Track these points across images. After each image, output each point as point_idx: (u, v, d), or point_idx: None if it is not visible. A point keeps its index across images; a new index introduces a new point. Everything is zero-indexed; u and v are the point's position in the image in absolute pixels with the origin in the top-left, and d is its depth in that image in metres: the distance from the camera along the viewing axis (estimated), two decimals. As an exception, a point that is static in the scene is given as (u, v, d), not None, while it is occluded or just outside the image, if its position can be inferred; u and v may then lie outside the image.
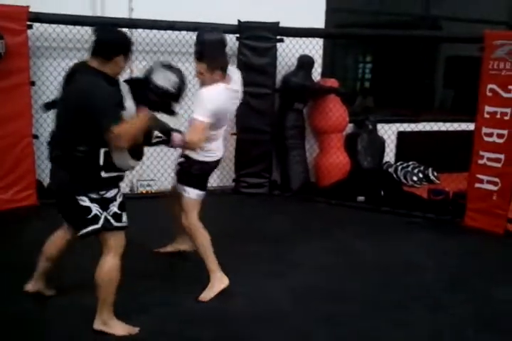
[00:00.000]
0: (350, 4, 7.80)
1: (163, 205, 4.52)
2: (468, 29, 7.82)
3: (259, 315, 3.68)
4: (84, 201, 3.07)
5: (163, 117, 3.36)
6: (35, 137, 5.66)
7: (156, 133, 3.46)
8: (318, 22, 7.05)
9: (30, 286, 3.60)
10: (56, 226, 3.53)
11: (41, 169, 5.82)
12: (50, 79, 5.83)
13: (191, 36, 6.29)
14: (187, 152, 3.87)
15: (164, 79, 2.97)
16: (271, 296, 3.97)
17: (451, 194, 6.15)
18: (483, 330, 3.60)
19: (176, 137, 3.53)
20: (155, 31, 6.20)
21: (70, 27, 5.78)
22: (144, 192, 6.59)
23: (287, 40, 6.60)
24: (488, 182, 5.50)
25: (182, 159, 3.97)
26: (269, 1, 6.56)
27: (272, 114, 6.72)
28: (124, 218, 3.24)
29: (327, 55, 7.40)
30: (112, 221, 3.16)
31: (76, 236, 3.43)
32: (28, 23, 5.52)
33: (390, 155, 7.73)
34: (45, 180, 5.71)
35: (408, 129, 7.35)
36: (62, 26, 5.79)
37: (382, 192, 6.60)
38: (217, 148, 3.94)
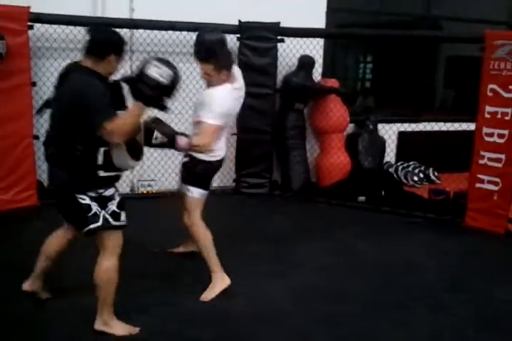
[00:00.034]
0: (350, 4, 7.80)
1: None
2: (469, 29, 7.82)
3: (260, 315, 3.68)
4: (84, 199, 3.07)
5: (157, 113, 3.36)
6: (36, 138, 5.66)
7: (160, 136, 3.47)
8: (319, 22, 7.05)
9: (27, 285, 3.59)
10: (56, 227, 3.53)
11: (42, 170, 5.81)
12: (50, 80, 5.82)
13: (192, 36, 6.28)
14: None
15: (157, 72, 2.96)
16: (271, 296, 3.97)
17: (452, 194, 6.15)
18: (483, 330, 3.60)
19: (181, 140, 3.52)
20: (156, 31, 6.20)
21: (71, 27, 5.78)
22: (144, 192, 6.59)
23: (288, 40, 6.59)
24: (489, 182, 5.50)
25: (186, 159, 3.96)
26: (269, 1, 6.56)
27: (273, 114, 6.72)
28: (123, 217, 3.24)
29: (328, 55, 7.40)
30: (111, 219, 3.15)
31: (76, 236, 3.44)
32: (29, 23, 5.52)
33: (390, 155, 7.72)
34: (46, 180, 5.70)
35: (409, 129, 7.35)
36: (63, 27, 5.79)
37: (382, 192, 6.60)
38: (221, 148, 3.93)
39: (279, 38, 6.50)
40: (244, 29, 6.38)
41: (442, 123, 6.95)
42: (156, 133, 3.48)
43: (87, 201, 3.08)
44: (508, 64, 5.24)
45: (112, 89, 3.07)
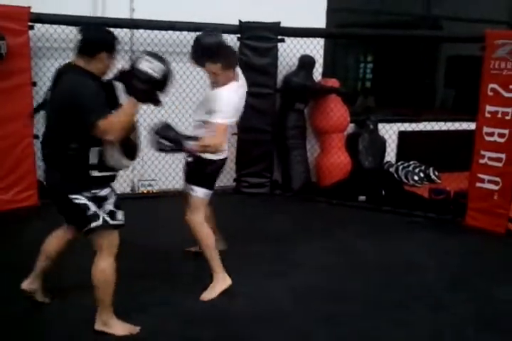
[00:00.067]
0: (350, 4, 7.80)
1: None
2: (469, 29, 7.81)
3: (260, 314, 3.68)
4: (80, 199, 3.07)
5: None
6: (36, 137, 5.65)
7: (168, 143, 3.55)
8: (319, 22, 7.05)
9: (25, 285, 3.57)
10: (57, 227, 3.53)
11: (42, 169, 5.77)
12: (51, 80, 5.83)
13: (192, 36, 6.28)
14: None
15: (149, 66, 2.96)
16: (272, 296, 3.97)
17: (452, 193, 6.16)
18: (483, 330, 3.60)
19: (189, 145, 3.57)
20: (156, 31, 6.20)
21: (71, 27, 5.75)
22: (144, 192, 6.60)
23: (288, 40, 6.59)
24: (489, 181, 5.49)
25: (190, 159, 3.95)
26: (269, 1, 6.57)
27: (273, 114, 6.72)
28: (120, 216, 3.22)
29: (328, 55, 7.40)
30: (108, 219, 3.15)
31: (76, 236, 3.43)
32: (30, 23, 5.52)
33: (391, 154, 7.72)
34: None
35: (409, 129, 7.35)
36: (63, 27, 5.78)
37: (383, 192, 6.60)
38: (225, 147, 3.94)
39: (279, 37, 6.50)
40: (245, 29, 6.38)
41: (443, 123, 6.96)
42: (164, 141, 3.55)
43: (84, 201, 3.07)
44: (508, 63, 5.24)
45: (105, 89, 3.07)
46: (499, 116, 5.35)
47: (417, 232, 5.59)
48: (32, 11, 5.47)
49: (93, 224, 3.12)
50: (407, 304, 3.93)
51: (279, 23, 6.41)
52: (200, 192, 3.92)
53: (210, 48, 3.88)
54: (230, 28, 6.25)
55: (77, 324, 3.39)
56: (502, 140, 5.37)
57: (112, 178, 3.22)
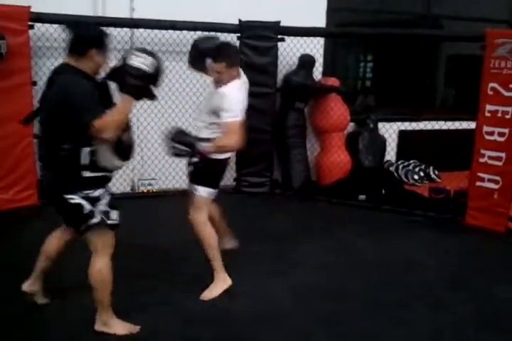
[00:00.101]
0: (350, 3, 7.80)
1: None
2: (470, 28, 7.80)
3: (260, 314, 3.68)
4: (75, 199, 3.06)
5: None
6: (36, 137, 5.66)
7: (182, 147, 3.64)
8: (319, 21, 7.04)
9: (26, 286, 3.58)
10: (57, 226, 3.53)
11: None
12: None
13: (192, 36, 6.30)
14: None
15: (140, 61, 2.96)
16: (272, 295, 3.97)
17: (452, 192, 6.16)
18: (483, 329, 3.60)
19: (202, 147, 3.64)
20: (156, 31, 6.20)
21: (71, 27, 5.78)
22: (145, 191, 6.60)
23: (288, 39, 6.59)
24: (490, 180, 5.50)
25: (196, 159, 3.93)
26: (270, 0, 6.56)
27: (273, 113, 6.72)
28: (115, 216, 3.20)
29: (328, 54, 7.40)
30: (104, 218, 3.14)
31: (75, 236, 3.43)
32: (30, 23, 5.52)
33: (391, 153, 7.71)
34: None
35: (409, 128, 7.35)
36: (63, 26, 5.78)
37: (383, 191, 6.61)
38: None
39: (279, 37, 6.49)
40: (245, 28, 6.37)
41: (443, 122, 6.96)
42: (178, 145, 3.63)
43: (78, 200, 3.06)
44: (508, 62, 5.24)
45: (98, 88, 3.06)
46: (499, 115, 5.35)
47: (417, 231, 5.59)
48: (32, 10, 5.47)
49: (91, 222, 3.11)
50: (407, 303, 3.94)
51: (279, 22, 6.41)
52: (203, 192, 3.91)
53: (212, 48, 3.88)
54: (230, 28, 6.26)
55: (77, 324, 3.40)
56: (502, 139, 5.37)
57: (106, 179, 3.19)
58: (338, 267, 4.56)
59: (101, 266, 3.21)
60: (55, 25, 5.76)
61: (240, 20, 6.33)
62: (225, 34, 6.11)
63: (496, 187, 5.44)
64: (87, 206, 3.07)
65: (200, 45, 4.04)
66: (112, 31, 6.04)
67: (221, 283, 3.95)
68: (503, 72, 5.29)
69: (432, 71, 8.75)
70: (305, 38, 6.71)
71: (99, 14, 6.09)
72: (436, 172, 7.53)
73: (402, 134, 7.66)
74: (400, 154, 7.80)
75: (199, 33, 6.24)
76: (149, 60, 2.98)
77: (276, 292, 4.03)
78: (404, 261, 4.73)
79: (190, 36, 6.27)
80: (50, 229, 3.55)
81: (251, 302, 3.85)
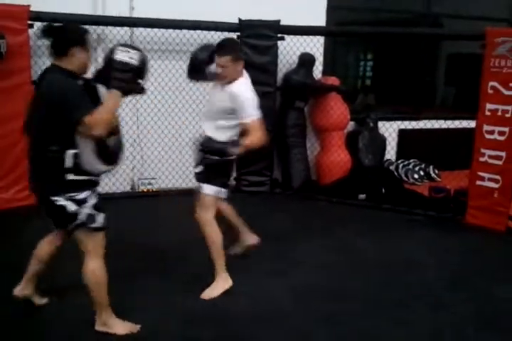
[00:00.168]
0: (350, 2, 7.81)
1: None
2: (470, 26, 7.79)
3: (260, 314, 3.68)
4: (59, 200, 3.04)
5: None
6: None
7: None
8: (319, 20, 7.03)
9: (18, 291, 3.56)
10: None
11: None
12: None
13: (192, 35, 6.31)
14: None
15: (127, 56, 2.95)
16: (271, 295, 3.97)
17: (453, 191, 6.16)
18: (483, 329, 3.60)
19: (234, 151, 3.74)
20: (156, 30, 6.20)
21: (71, 26, 5.77)
22: (145, 190, 6.59)
23: (288, 38, 6.59)
24: (490, 179, 5.50)
25: (206, 159, 3.92)
26: (269, -1, 6.57)
27: (273, 113, 6.71)
28: (100, 219, 3.16)
29: (328, 53, 7.40)
30: (87, 221, 3.11)
31: (66, 238, 3.43)
32: (29, 22, 5.51)
33: (391, 153, 7.71)
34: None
35: (409, 127, 7.36)
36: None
37: (383, 190, 6.61)
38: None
39: (279, 36, 6.48)
40: (245, 27, 6.36)
41: (443, 121, 6.96)
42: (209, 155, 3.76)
43: (62, 202, 3.04)
44: (508, 61, 5.24)
45: (86, 88, 3.05)
46: (499, 114, 5.35)
47: (417, 230, 5.59)
48: (31, 9, 5.46)
49: (75, 223, 3.10)
50: (407, 303, 3.93)
51: (279, 21, 6.40)
52: (210, 190, 3.88)
53: (218, 43, 3.87)
54: (229, 26, 6.26)
55: (77, 324, 3.40)
56: (502, 138, 5.37)
57: (91, 182, 3.14)
58: (338, 266, 4.55)
59: (94, 267, 3.20)
60: (55, 24, 5.76)
61: (239, 19, 6.32)
62: (225, 33, 6.10)
63: (496, 186, 5.44)
64: (71, 207, 3.05)
65: (197, 56, 4.01)
66: (112, 30, 6.06)
67: (222, 283, 3.95)
68: (503, 71, 5.29)
69: (432, 70, 8.76)
70: (305, 36, 6.71)
71: (99, 13, 6.08)
72: (437, 172, 7.53)
73: (402, 133, 7.66)
74: (400, 153, 7.80)
75: (199, 32, 6.27)
76: (135, 53, 2.99)
77: (276, 292, 4.03)
78: (405, 261, 4.73)
79: (190, 35, 6.30)
80: (50, 228, 3.54)
81: (251, 302, 3.85)
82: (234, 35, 6.27)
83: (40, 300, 3.64)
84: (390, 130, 7.35)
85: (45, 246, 3.51)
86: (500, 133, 5.36)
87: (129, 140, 6.36)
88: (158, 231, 5.11)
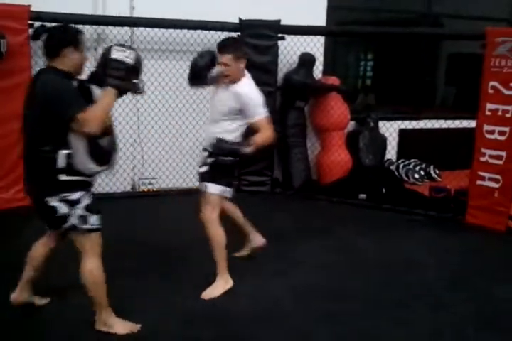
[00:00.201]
0: (351, 2, 7.81)
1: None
2: (470, 26, 7.80)
3: (260, 314, 3.68)
4: (50, 201, 3.04)
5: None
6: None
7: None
8: (319, 20, 7.03)
9: (14, 297, 3.56)
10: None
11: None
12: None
13: (192, 35, 6.31)
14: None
15: (122, 54, 2.97)
16: (272, 295, 3.97)
17: (453, 191, 6.16)
18: (483, 329, 3.60)
19: (245, 150, 3.72)
20: (156, 30, 6.20)
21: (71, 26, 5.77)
22: (145, 190, 6.59)
23: (288, 38, 6.58)
24: (490, 179, 5.50)
25: (210, 160, 3.91)
26: (270, -1, 6.57)
27: (274, 112, 6.70)
28: (93, 220, 3.14)
29: (328, 53, 7.40)
30: (79, 223, 3.11)
31: (61, 241, 3.44)
32: (30, 22, 5.49)
33: (391, 152, 7.71)
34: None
35: (410, 127, 7.36)
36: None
37: (383, 190, 6.61)
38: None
39: (279, 35, 6.48)
40: (245, 27, 6.36)
41: (443, 121, 6.96)
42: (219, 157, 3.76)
43: (54, 203, 3.04)
44: (509, 61, 5.24)
45: (80, 88, 3.06)
46: (499, 113, 5.35)
47: (417, 230, 5.59)
48: (32, 9, 5.46)
49: (64, 226, 3.11)
50: (407, 303, 3.93)
51: (279, 21, 6.40)
52: (215, 189, 3.88)
53: (220, 42, 3.87)
54: (230, 26, 6.25)
55: (77, 324, 3.40)
56: (502, 138, 5.37)
57: (85, 183, 3.13)
58: (338, 266, 4.55)
59: (92, 268, 3.19)
60: (55, 24, 5.76)
61: (240, 19, 6.32)
62: (225, 33, 6.10)
63: (497, 186, 5.44)
64: (62, 209, 3.05)
65: (197, 63, 3.99)
66: (112, 30, 6.06)
67: (223, 283, 3.95)
68: (503, 71, 5.29)
69: (432, 69, 8.76)
70: (305, 36, 6.71)
71: (99, 13, 6.08)
72: (437, 171, 7.53)
73: (403, 133, 7.66)
74: (401, 153, 7.80)
75: (199, 32, 6.27)
76: (130, 53, 3.00)
77: (276, 292, 4.03)
78: (405, 260, 4.73)
79: (191, 35, 6.29)
80: (45, 229, 3.54)
81: (251, 302, 3.85)
82: (234, 35, 6.27)
83: (40, 301, 3.64)
84: (390, 130, 7.35)
85: (40, 249, 3.50)
86: (501, 133, 5.36)
87: (129, 140, 6.37)
88: (158, 231, 5.11)
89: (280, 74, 6.76)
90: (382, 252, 4.92)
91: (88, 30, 5.89)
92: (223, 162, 3.82)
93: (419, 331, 3.56)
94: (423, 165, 7.52)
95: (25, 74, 5.54)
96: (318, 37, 6.85)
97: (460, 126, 6.84)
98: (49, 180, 3.02)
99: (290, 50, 6.78)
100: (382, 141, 7.39)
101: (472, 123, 5.71)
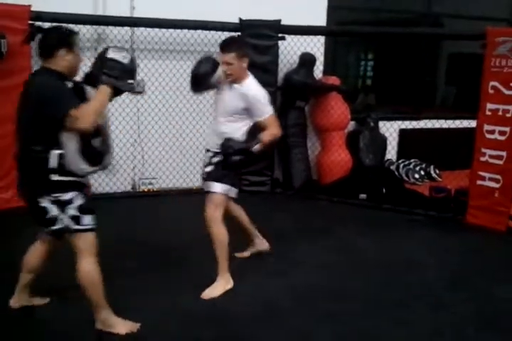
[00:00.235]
0: (351, 2, 7.81)
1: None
2: (470, 26, 7.79)
3: (260, 314, 3.68)
4: (42, 202, 3.05)
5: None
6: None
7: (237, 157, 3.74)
8: (320, 20, 7.02)
9: (14, 301, 3.56)
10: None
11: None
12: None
13: (192, 35, 6.30)
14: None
15: (118, 55, 2.99)
16: (272, 295, 3.97)
17: (453, 191, 6.15)
18: (484, 329, 3.60)
19: (254, 147, 3.74)
20: (156, 30, 6.19)
21: (72, 26, 5.75)
22: (145, 190, 6.59)
23: (289, 37, 6.58)
24: (490, 179, 5.50)
25: (217, 159, 3.91)
26: (270, -2, 6.57)
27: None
28: (86, 221, 3.14)
29: (328, 53, 7.40)
30: (71, 223, 3.11)
31: (57, 242, 3.44)
32: (30, 22, 5.49)
33: (391, 152, 7.71)
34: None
35: (410, 127, 7.37)
36: (63, 25, 5.76)
37: (383, 190, 6.60)
38: None
39: (279, 35, 6.48)
40: (245, 27, 6.36)
41: (443, 121, 6.96)
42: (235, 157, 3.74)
43: (45, 204, 3.05)
44: (509, 61, 5.24)
45: (75, 89, 3.07)
46: (500, 113, 5.35)
47: (417, 230, 5.59)
48: (32, 9, 5.45)
49: (53, 227, 3.12)
50: (407, 303, 3.93)
51: (279, 21, 6.40)
52: (219, 188, 3.88)
53: (224, 41, 3.88)
54: (230, 26, 6.25)
55: (77, 324, 3.39)
56: (503, 138, 5.37)
57: (77, 184, 3.12)
58: (338, 266, 4.55)
59: (89, 268, 3.19)
60: (56, 24, 5.75)
61: (240, 19, 6.32)
62: (226, 33, 6.10)
63: (497, 185, 5.44)
64: (53, 211, 3.06)
65: (199, 69, 3.98)
66: (112, 30, 6.06)
67: (224, 283, 3.95)
68: (503, 71, 5.29)
69: (432, 69, 8.76)
70: (305, 36, 6.71)
71: (100, 13, 6.08)
72: (437, 171, 7.53)
73: (403, 133, 7.66)
74: (401, 153, 7.80)
75: (199, 32, 6.27)
76: (126, 54, 3.03)
77: (276, 292, 4.02)
78: (405, 260, 4.73)
79: (191, 35, 6.29)
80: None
81: (251, 302, 3.84)
82: (235, 35, 6.27)
83: (41, 301, 3.64)
84: (390, 130, 7.35)
85: (35, 252, 3.51)
86: (501, 133, 5.36)
87: (129, 140, 6.37)
88: (159, 231, 5.11)
89: (280, 74, 6.77)
90: (383, 252, 4.92)
91: (88, 30, 5.90)
92: (234, 161, 3.81)
93: (419, 331, 3.56)
94: (423, 165, 7.52)
95: (25, 74, 5.44)
96: (319, 37, 6.85)
97: (460, 126, 6.83)
98: (41, 180, 3.03)
99: (290, 50, 6.78)
100: (383, 141, 7.39)
101: (472, 123, 5.71)
